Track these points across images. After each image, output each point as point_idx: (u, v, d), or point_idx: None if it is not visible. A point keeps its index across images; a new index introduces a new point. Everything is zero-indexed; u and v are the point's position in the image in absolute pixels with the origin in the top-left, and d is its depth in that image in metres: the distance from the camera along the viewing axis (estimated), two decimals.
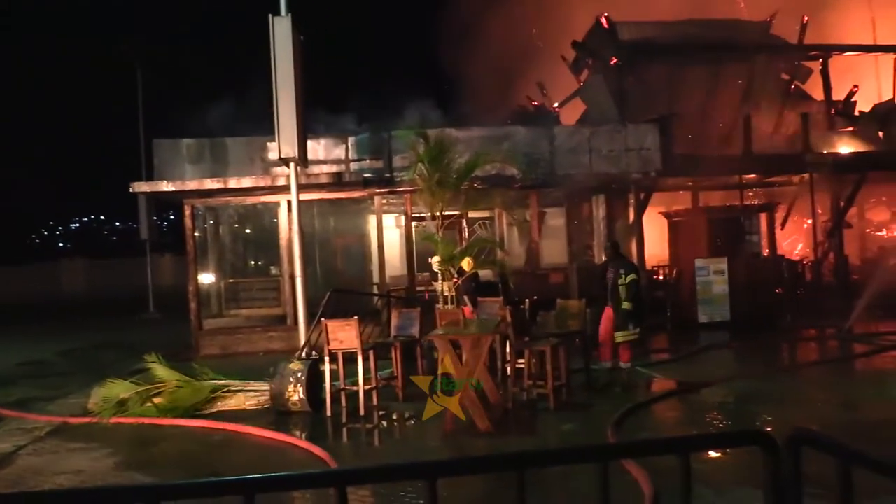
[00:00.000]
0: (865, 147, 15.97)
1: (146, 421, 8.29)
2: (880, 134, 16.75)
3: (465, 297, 10.41)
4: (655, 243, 16.72)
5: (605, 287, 9.53)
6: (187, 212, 13.98)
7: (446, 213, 11.59)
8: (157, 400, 8.58)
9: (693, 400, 8.68)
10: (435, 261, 10.55)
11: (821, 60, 18.37)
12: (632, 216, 15.37)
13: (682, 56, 17.78)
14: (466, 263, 10.81)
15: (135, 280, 27.60)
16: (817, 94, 18.60)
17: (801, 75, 19.43)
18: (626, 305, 9.16)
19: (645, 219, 15.37)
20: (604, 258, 10.08)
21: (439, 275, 10.74)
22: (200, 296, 14.16)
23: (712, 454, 5.98)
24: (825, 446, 1.98)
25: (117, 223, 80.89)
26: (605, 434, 6.89)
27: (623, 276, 9.19)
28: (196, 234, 14.40)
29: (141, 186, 14.28)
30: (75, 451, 7.42)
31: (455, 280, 10.64)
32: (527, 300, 9.96)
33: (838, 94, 18.02)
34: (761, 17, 19.91)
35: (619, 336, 9.25)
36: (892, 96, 18.10)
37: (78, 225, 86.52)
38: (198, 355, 12.93)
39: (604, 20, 17.72)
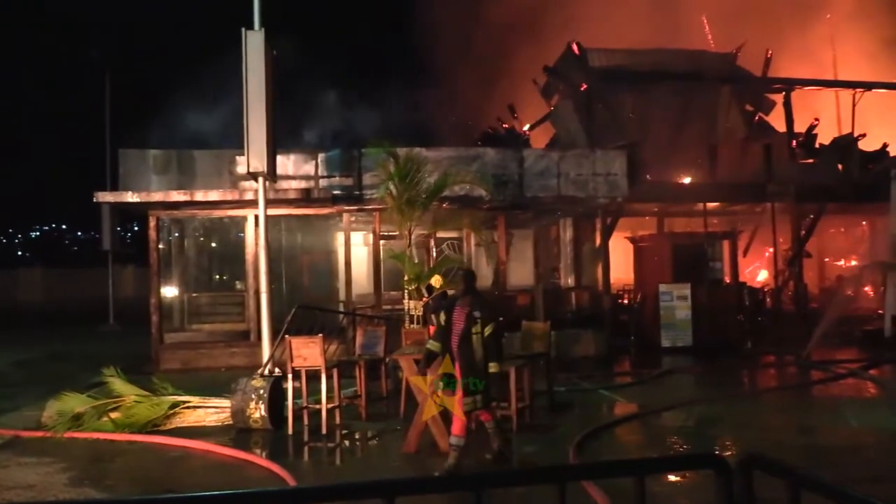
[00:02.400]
0: (825, 179, 16.39)
1: (102, 436, 8.11)
2: (839, 166, 17.21)
3: (432, 316, 10.41)
4: (621, 267, 16.92)
5: (447, 332, 6.66)
6: (152, 223, 13.79)
7: (415, 232, 11.61)
8: (113, 415, 8.40)
9: (654, 423, 8.77)
10: (407, 279, 10.56)
11: (784, 93, 18.87)
12: (598, 240, 15.55)
13: (650, 84, 18.14)
14: (436, 281, 10.83)
15: (95, 291, 27.10)
16: (780, 125, 19.07)
17: (764, 107, 19.93)
18: (493, 368, 6.47)
19: (611, 243, 15.56)
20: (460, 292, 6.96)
21: (406, 293, 10.75)
22: (163, 309, 13.93)
23: (673, 477, 6.04)
24: (776, 469, 2.03)
25: (79, 233, 79.36)
26: (567, 456, 6.92)
27: (478, 324, 6.48)
28: (160, 246, 14.20)
29: (105, 196, 14.07)
30: (27, 465, 7.22)
31: (425, 299, 10.65)
32: None
33: (800, 127, 18.51)
34: (728, 49, 20.43)
35: (468, 403, 6.45)
36: (850, 130, 18.64)
37: (38, 233, 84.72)
38: (158, 369, 12.70)
39: (575, 47, 18.00)
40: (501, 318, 6.56)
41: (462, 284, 6.86)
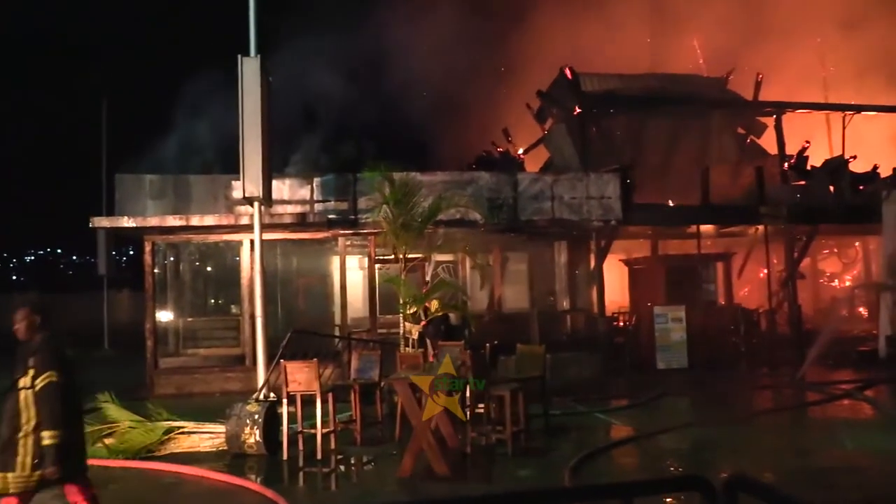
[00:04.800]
0: (817, 200, 16.51)
1: (96, 462, 8.04)
2: (831, 188, 17.34)
3: (428, 341, 10.44)
4: (616, 290, 16.95)
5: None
6: (147, 248, 13.81)
7: (410, 255, 11.66)
8: (108, 440, 8.38)
9: (649, 446, 8.76)
10: (402, 303, 10.61)
11: (775, 117, 19.07)
12: (593, 263, 15.60)
13: (643, 108, 18.32)
14: (433, 305, 10.88)
15: (90, 315, 26.97)
16: (772, 148, 19.25)
17: (756, 130, 20.11)
18: (47, 438, 4.49)
19: (605, 265, 15.60)
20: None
21: (402, 317, 10.77)
22: (158, 334, 13.92)
23: (669, 500, 6.04)
24: (759, 491, 2.06)
25: (74, 257, 79.40)
26: (562, 479, 6.91)
27: (28, 375, 4.68)
28: (156, 270, 14.21)
29: (101, 221, 14.09)
30: None
31: (423, 322, 10.69)
32: (487, 344, 10.00)
33: (791, 149, 18.69)
34: (719, 73, 20.67)
35: (12, 480, 4.48)
36: (842, 152, 18.82)
37: (33, 258, 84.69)
38: (153, 394, 12.65)
39: (567, 71, 18.18)
40: (68, 369, 4.87)
41: (27, 324, 5.00)
